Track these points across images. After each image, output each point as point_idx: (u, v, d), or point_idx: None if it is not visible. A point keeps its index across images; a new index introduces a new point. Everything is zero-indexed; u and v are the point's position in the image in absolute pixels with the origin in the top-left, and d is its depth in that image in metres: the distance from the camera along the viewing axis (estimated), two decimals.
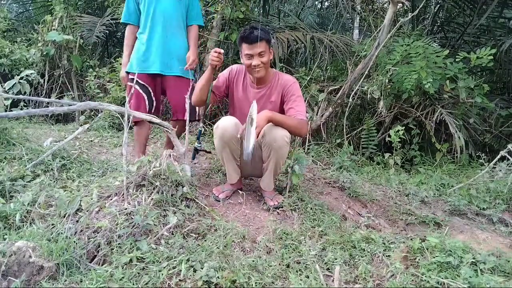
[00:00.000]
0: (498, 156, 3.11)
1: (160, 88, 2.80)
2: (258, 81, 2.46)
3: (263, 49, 2.32)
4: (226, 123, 2.32)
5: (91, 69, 5.12)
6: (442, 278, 1.67)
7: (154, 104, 2.76)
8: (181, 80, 2.75)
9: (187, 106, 2.57)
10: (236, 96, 2.57)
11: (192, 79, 2.75)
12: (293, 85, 2.45)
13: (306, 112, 2.48)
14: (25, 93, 3.37)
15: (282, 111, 2.46)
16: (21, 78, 3.40)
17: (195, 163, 3.24)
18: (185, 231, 1.91)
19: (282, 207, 2.40)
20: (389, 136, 3.83)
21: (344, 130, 4.27)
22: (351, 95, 4.06)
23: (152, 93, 2.73)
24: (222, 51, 2.33)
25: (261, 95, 2.49)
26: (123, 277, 1.53)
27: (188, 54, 2.76)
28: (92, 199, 1.94)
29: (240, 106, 2.55)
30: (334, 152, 4.14)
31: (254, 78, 2.46)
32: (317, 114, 4.30)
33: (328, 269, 1.83)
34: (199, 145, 2.61)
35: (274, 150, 2.29)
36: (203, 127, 2.70)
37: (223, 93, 2.58)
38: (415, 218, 2.59)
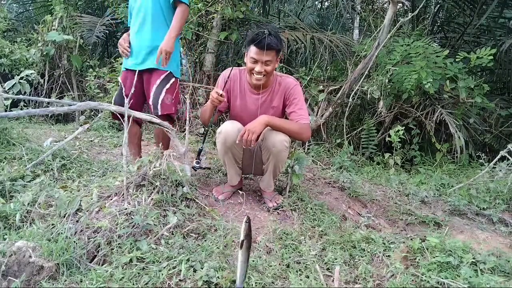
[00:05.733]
0: (498, 156, 3.12)
1: (142, 85, 2.62)
2: (257, 86, 2.37)
3: (270, 58, 2.22)
4: (228, 129, 2.27)
5: (91, 69, 5.12)
6: (442, 278, 1.67)
7: (125, 100, 2.52)
8: (156, 72, 2.54)
9: (151, 100, 2.51)
10: (234, 103, 2.47)
11: (170, 71, 2.55)
12: (294, 88, 2.38)
13: (308, 115, 2.43)
14: (25, 93, 3.37)
15: (284, 114, 2.44)
16: (21, 78, 3.40)
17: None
18: (185, 231, 1.91)
19: (282, 207, 2.40)
20: (389, 136, 3.83)
21: (344, 130, 4.28)
22: (351, 95, 4.07)
23: (123, 90, 2.55)
24: (223, 93, 2.25)
25: (262, 101, 2.39)
26: (123, 277, 1.53)
27: (160, 46, 2.41)
28: (92, 199, 1.94)
29: (239, 114, 2.45)
30: (334, 152, 4.15)
31: (252, 83, 2.37)
32: (317, 114, 4.30)
33: (328, 269, 1.83)
34: (197, 165, 2.50)
35: (273, 154, 2.28)
36: (203, 145, 2.58)
37: (226, 105, 2.50)
38: (415, 218, 2.59)
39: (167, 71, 2.55)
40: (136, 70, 2.48)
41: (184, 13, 2.52)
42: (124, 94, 2.56)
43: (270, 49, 2.19)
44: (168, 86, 2.54)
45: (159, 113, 2.52)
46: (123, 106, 2.52)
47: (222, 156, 2.40)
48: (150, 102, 2.55)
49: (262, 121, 2.19)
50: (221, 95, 2.23)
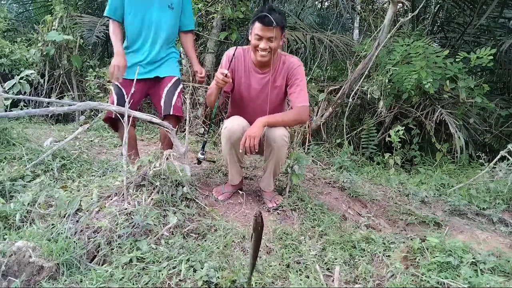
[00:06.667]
0: (498, 156, 3.12)
1: (143, 92, 2.67)
2: (261, 64, 2.34)
3: (275, 35, 2.20)
4: (234, 127, 2.26)
5: (91, 69, 5.11)
6: (442, 278, 1.67)
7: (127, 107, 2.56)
8: (166, 78, 2.61)
9: (163, 101, 2.53)
10: (238, 83, 2.44)
11: (178, 77, 2.65)
12: (298, 69, 2.36)
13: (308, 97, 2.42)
14: (25, 93, 3.37)
15: (286, 93, 2.42)
16: (21, 78, 3.39)
17: (195, 163, 3.24)
18: (185, 231, 1.91)
19: (282, 207, 2.40)
20: (389, 136, 3.83)
21: (344, 130, 4.27)
22: (351, 95, 4.07)
23: (125, 96, 2.45)
24: (228, 74, 2.23)
25: (266, 80, 2.37)
26: (123, 277, 1.53)
27: (196, 69, 2.71)
28: (92, 199, 1.94)
29: (243, 94, 2.43)
30: (334, 152, 4.15)
31: (256, 61, 2.34)
32: (317, 114, 4.30)
33: (328, 269, 1.83)
34: (202, 156, 2.52)
35: (273, 150, 2.29)
36: (208, 136, 2.60)
37: (232, 86, 2.46)
38: (415, 218, 2.59)
39: (177, 76, 2.64)
40: (136, 79, 2.48)
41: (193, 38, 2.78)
42: (126, 101, 2.53)
43: (275, 26, 2.17)
44: (178, 89, 2.61)
45: (171, 113, 2.54)
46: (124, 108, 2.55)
47: (225, 153, 2.38)
48: (162, 103, 2.57)
49: (260, 124, 2.19)
50: (226, 76, 2.21)
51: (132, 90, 2.45)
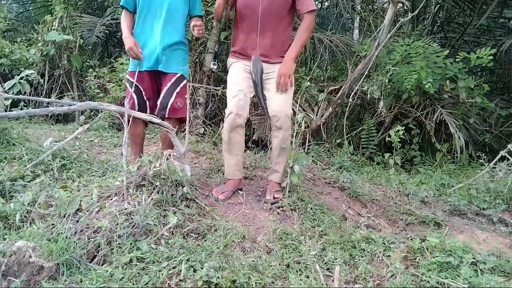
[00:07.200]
0: (498, 156, 3.12)
1: (156, 86, 2.63)
2: None
3: None
4: (236, 114, 2.27)
5: (91, 69, 5.11)
6: (442, 278, 1.67)
7: (148, 104, 2.57)
8: (168, 74, 2.56)
9: (160, 100, 2.51)
10: None
11: (181, 74, 2.58)
12: None
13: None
14: (25, 93, 3.37)
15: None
16: (21, 78, 3.40)
17: (195, 163, 3.25)
18: (185, 231, 1.91)
19: (280, 205, 2.40)
20: (389, 136, 3.83)
21: (344, 130, 4.27)
22: (351, 95, 4.06)
23: (143, 93, 2.54)
24: None
25: None
26: (123, 277, 1.53)
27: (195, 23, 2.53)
28: (92, 199, 1.94)
29: (246, 3, 2.34)
30: (334, 152, 4.14)
31: None
32: (317, 114, 4.30)
33: (328, 269, 1.83)
34: (215, 66, 2.57)
35: (280, 129, 2.34)
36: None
37: None
38: (415, 218, 2.59)
39: (178, 73, 2.55)
40: (147, 71, 2.51)
41: None
42: (145, 97, 2.56)
43: None
44: (178, 89, 2.53)
45: (166, 116, 2.52)
46: (145, 108, 2.55)
47: (225, 140, 2.38)
48: (158, 102, 2.54)
49: (289, 60, 2.32)
50: None
51: (134, 81, 2.45)
